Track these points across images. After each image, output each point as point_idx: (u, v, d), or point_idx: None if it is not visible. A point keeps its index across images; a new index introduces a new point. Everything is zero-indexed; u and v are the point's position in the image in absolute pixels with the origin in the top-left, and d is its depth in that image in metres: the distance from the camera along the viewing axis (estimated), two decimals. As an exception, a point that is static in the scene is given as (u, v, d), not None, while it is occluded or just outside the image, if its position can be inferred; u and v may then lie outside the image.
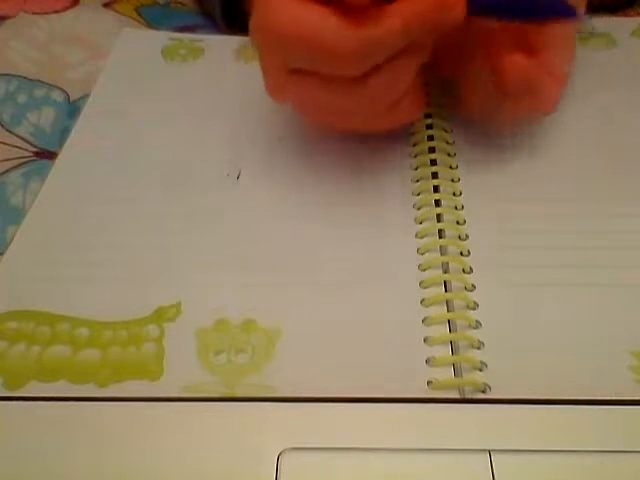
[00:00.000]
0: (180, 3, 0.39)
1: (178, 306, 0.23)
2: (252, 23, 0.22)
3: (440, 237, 0.24)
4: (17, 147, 0.30)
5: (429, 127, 0.28)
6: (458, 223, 0.25)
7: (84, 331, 0.22)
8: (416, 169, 0.27)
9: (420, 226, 0.25)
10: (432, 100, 0.30)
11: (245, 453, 0.19)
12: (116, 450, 0.19)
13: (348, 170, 0.27)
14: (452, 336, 0.21)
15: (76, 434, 0.19)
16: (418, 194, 0.26)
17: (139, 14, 0.38)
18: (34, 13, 0.37)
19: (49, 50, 0.35)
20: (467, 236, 0.24)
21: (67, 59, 0.35)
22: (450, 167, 0.27)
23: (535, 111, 0.27)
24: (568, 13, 0.21)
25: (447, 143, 0.28)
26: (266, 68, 0.23)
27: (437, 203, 0.26)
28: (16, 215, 0.26)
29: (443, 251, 0.24)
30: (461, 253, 0.24)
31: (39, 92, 0.33)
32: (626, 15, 0.35)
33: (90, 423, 0.20)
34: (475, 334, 0.21)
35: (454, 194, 0.26)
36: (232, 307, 0.23)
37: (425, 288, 0.23)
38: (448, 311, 0.22)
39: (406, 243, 0.24)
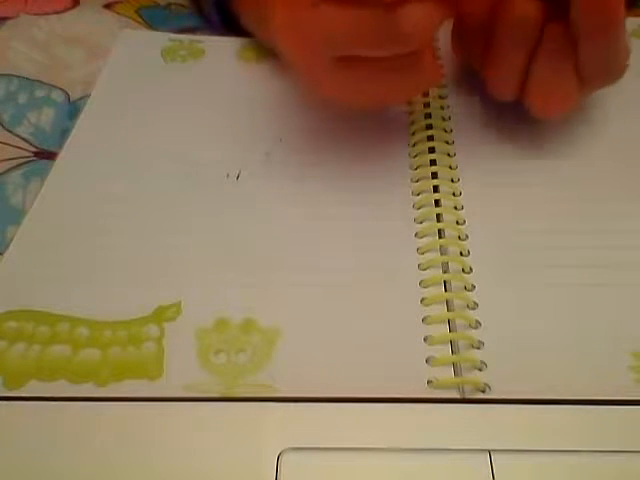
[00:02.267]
0: (180, 5, 0.39)
1: (178, 306, 0.23)
2: (283, 23, 0.22)
3: (440, 237, 0.24)
4: (17, 147, 0.30)
5: (429, 127, 0.28)
6: (458, 223, 0.25)
7: (84, 331, 0.22)
8: (416, 169, 0.27)
9: (420, 226, 0.25)
10: (431, 102, 0.30)
11: (245, 453, 0.19)
12: (115, 450, 0.19)
13: (348, 170, 0.27)
14: (452, 336, 0.21)
15: (76, 434, 0.19)
16: (418, 194, 0.26)
17: (139, 15, 0.38)
18: (35, 14, 0.37)
19: (50, 51, 0.35)
20: (467, 236, 0.24)
21: (67, 60, 0.35)
22: (450, 167, 0.27)
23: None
24: None
25: (447, 143, 0.28)
26: (305, 65, 0.24)
27: (437, 203, 0.26)
28: (16, 215, 0.26)
29: (443, 251, 0.24)
30: (461, 253, 0.24)
31: (39, 92, 0.33)
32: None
33: (90, 423, 0.20)
34: (475, 334, 0.21)
35: (454, 194, 0.26)
36: (232, 307, 0.23)
37: (425, 287, 0.23)
38: (448, 311, 0.22)
39: (406, 243, 0.24)
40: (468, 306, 0.22)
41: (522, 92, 0.26)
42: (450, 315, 0.22)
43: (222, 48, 0.34)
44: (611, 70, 0.25)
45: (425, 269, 0.23)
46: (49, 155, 0.29)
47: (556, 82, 0.25)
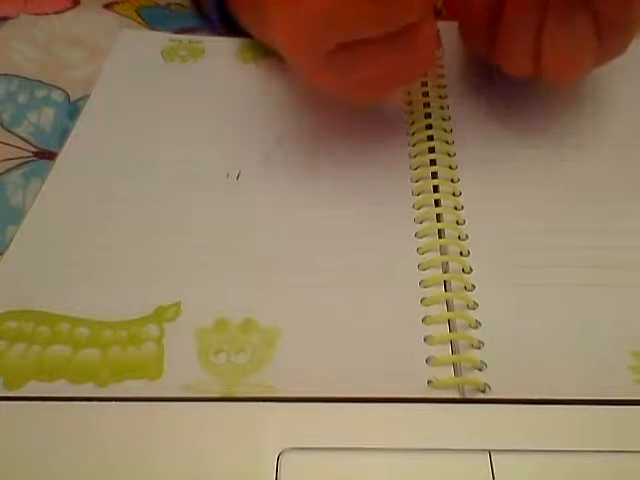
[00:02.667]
0: (180, 5, 0.39)
1: (178, 306, 0.23)
2: (280, 18, 0.22)
3: (440, 237, 0.24)
4: (17, 147, 0.30)
5: (429, 127, 0.28)
6: (458, 223, 0.25)
7: (84, 331, 0.22)
8: (416, 169, 0.27)
9: (420, 226, 0.25)
10: (431, 102, 0.30)
11: (245, 453, 0.19)
12: (116, 450, 0.19)
13: (347, 170, 0.27)
14: (452, 336, 0.21)
15: (76, 434, 0.19)
16: (418, 194, 0.26)
17: (139, 15, 0.38)
18: (35, 14, 0.37)
19: (50, 51, 0.35)
20: (467, 236, 0.24)
21: (67, 60, 0.35)
22: (450, 167, 0.27)
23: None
24: None
25: (447, 143, 0.28)
26: (302, 56, 0.23)
27: (437, 203, 0.26)
28: (16, 215, 0.26)
29: (443, 251, 0.24)
30: (461, 253, 0.24)
31: (39, 92, 0.33)
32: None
33: (90, 423, 0.20)
34: (475, 334, 0.21)
35: (454, 194, 0.26)
36: (232, 307, 0.23)
37: (425, 288, 0.23)
38: (448, 311, 0.22)
39: (406, 243, 0.24)
40: (468, 306, 0.22)
41: (537, 64, 0.25)
42: (450, 315, 0.22)
43: (222, 48, 0.34)
44: (630, 21, 0.23)
45: (425, 269, 0.23)
46: (49, 155, 0.29)
47: (571, 42, 0.24)
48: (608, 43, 0.24)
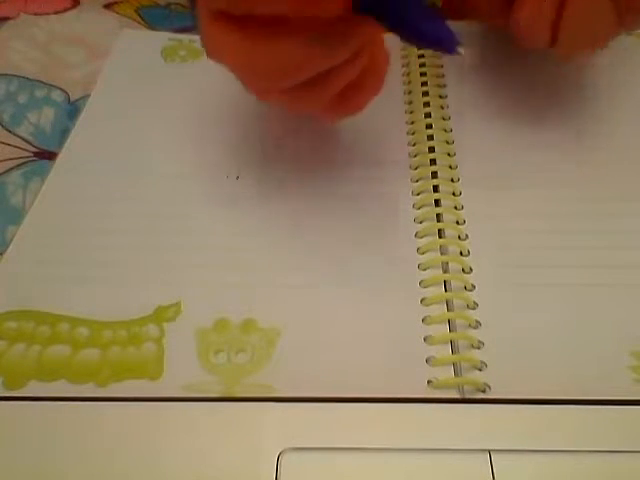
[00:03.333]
0: (181, 5, 0.39)
1: (178, 306, 0.23)
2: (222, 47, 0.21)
3: (440, 237, 0.24)
4: (17, 147, 0.30)
5: (429, 127, 0.28)
6: (458, 223, 0.25)
7: (84, 331, 0.22)
8: (416, 169, 0.27)
9: (420, 226, 0.25)
10: (431, 101, 0.30)
11: (245, 453, 0.19)
12: (116, 450, 0.19)
13: (348, 170, 0.27)
14: (452, 335, 0.21)
15: (76, 434, 0.19)
16: (418, 194, 0.26)
17: (139, 15, 0.38)
18: (35, 14, 0.37)
19: (49, 50, 0.35)
20: (467, 236, 0.24)
21: (67, 59, 0.35)
22: (450, 167, 0.27)
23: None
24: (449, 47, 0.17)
25: (447, 143, 0.28)
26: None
27: (437, 203, 0.26)
28: (16, 215, 0.26)
29: (443, 251, 0.24)
30: (461, 253, 0.24)
31: (39, 92, 0.33)
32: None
33: (90, 423, 0.20)
34: (475, 334, 0.21)
35: (454, 194, 0.26)
36: (232, 307, 0.23)
37: (425, 288, 0.23)
38: (448, 311, 0.22)
39: (406, 243, 0.24)
40: (468, 306, 0.22)
41: (554, 34, 0.24)
42: (450, 315, 0.22)
43: (222, 48, 0.34)
44: None
45: (425, 269, 0.23)
46: (49, 155, 0.29)
47: (591, 14, 0.23)
48: (626, 19, 0.23)
